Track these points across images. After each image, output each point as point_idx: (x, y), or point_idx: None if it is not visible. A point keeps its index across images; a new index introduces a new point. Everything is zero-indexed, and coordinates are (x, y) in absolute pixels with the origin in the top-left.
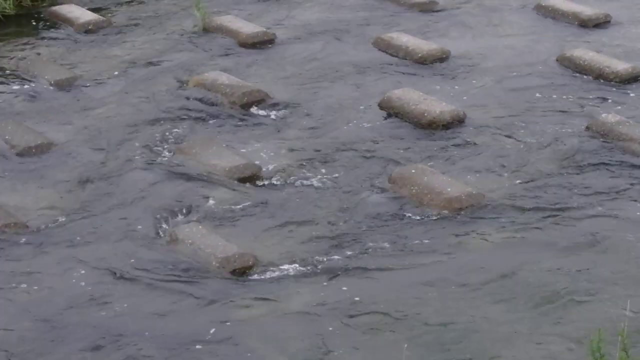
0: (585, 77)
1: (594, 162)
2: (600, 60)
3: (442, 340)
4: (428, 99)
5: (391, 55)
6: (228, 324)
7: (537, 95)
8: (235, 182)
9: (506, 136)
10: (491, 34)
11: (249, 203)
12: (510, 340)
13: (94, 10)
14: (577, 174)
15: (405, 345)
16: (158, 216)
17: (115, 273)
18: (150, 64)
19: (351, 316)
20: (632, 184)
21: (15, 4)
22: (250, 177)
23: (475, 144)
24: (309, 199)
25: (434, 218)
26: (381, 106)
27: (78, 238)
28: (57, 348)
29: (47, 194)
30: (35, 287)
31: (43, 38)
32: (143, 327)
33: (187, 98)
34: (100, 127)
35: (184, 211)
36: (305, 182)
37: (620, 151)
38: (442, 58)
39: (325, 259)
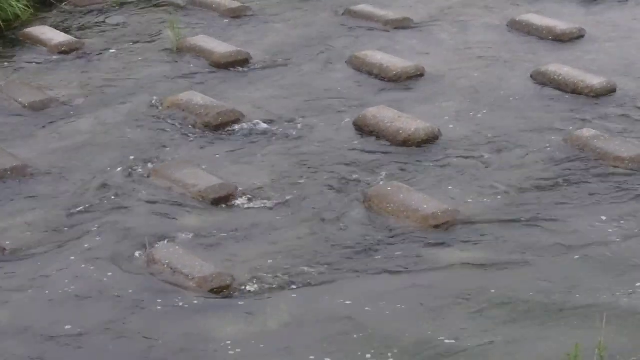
0: (560, 92)
1: (570, 177)
2: (575, 75)
3: (419, 356)
4: (403, 117)
5: (366, 73)
6: (206, 343)
7: (512, 110)
8: (211, 202)
9: (481, 152)
10: (466, 51)
11: (225, 223)
12: (486, 356)
13: (67, 32)
14: (554, 189)
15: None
16: (135, 237)
17: (92, 294)
18: (124, 85)
19: (329, 332)
20: (608, 198)
21: None
22: (226, 197)
23: (450, 160)
24: (285, 217)
25: (410, 235)
26: (356, 124)
27: (54, 260)
28: None
29: (23, 216)
30: (12, 307)
31: (16, 60)
32: (120, 347)
33: (162, 119)
34: (75, 150)
35: (161, 232)
36: (281, 201)
37: (596, 166)
38: (416, 75)
39: (302, 277)
